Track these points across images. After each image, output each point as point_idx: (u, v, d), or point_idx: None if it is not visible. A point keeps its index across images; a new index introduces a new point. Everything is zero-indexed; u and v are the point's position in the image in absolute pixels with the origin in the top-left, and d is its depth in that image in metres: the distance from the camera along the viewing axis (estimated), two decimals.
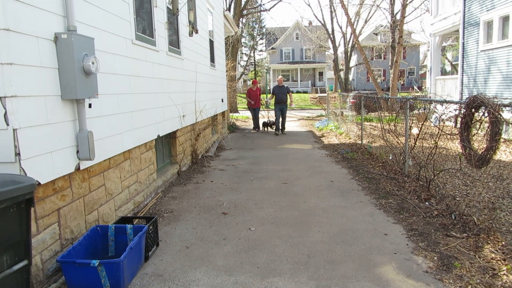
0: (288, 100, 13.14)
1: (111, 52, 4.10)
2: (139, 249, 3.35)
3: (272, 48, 49.99)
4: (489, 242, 3.69)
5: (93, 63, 3.23)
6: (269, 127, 14.00)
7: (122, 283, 2.98)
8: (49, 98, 2.98)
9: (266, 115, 15.29)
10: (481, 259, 3.40)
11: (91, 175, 3.75)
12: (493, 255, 3.44)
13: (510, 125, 3.80)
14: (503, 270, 3.15)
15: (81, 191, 3.55)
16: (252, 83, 14.81)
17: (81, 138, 3.34)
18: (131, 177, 4.76)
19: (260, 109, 14.71)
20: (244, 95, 17.27)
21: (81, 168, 3.43)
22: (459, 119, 4.59)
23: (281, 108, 12.96)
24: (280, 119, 13.09)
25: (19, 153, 2.62)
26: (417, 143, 6.02)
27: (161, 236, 4.12)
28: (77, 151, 3.35)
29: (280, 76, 13.82)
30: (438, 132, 5.27)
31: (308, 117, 21.84)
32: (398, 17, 18.82)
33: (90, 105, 3.50)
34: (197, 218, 4.73)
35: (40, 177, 2.83)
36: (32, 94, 2.78)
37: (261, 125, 14.27)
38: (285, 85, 13.31)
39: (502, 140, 3.91)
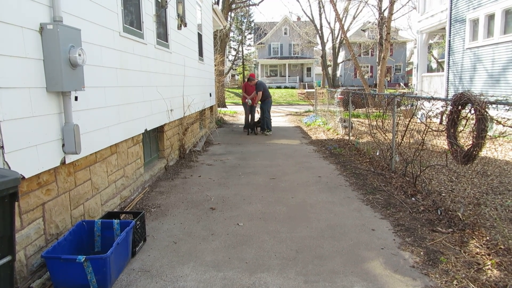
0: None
1: (98, 44, 4.03)
2: (126, 245, 3.31)
3: (261, 43, 49.86)
4: (474, 237, 3.75)
5: (79, 55, 3.16)
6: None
7: (109, 279, 2.94)
8: (34, 90, 2.90)
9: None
10: (466, 254, 3.45)
11: (77, 169, 3.68)
12: (478, 250, 3.50)
13: (495, 122, 3.85)
14: (488, 265, 3.20)
15: (66, 185, 3.49)
16: (250, 76, 12.63)
17: (66, 132, 3.28)
18: (117, 172, 4.70)
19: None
20: (232, 89, 16.38)
21: (66, 162, 3.37)
22: (446, 116, 4.64)
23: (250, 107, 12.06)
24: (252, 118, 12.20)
25: (2, 146, 2.55)
26: (404, 139, 6.08)
27: (149, 231, 4.09)
28: (63, 145, 3.28)
29: (251, 73, 12.77)
30: (425, 128, 5.32)
31: (296, 112, 21.90)
32: (385, 14, 18.92)
33: (76, 98, 3.43)
34: (184, 213, 4.70)
35: (24, 171, 2.76)
36: (16, 85, 2.70)
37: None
38: (259, 81, 11.91)
39: (487, 137, 3.96)
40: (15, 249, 2.33)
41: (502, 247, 3.46)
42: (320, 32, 38.22)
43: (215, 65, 15.12)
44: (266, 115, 11.88)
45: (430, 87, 15.64)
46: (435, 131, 5.27)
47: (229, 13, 25.97)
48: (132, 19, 5.21)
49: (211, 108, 13.26)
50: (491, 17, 11.35)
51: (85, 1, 3.77)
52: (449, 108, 4.52)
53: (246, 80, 12.72)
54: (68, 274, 2.85)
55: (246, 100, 12.02)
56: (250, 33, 52.38)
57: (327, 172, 6.76)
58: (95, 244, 3.51)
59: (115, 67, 4.50)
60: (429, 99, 5.32)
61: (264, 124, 11.94)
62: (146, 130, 5.61)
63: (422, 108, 6.10)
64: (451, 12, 13.48)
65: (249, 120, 12.34)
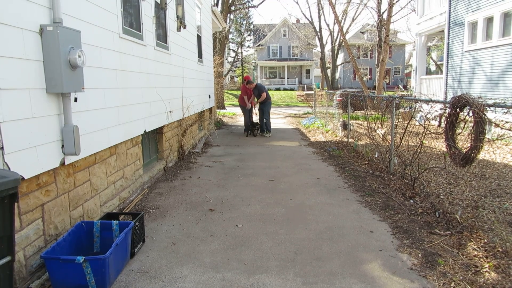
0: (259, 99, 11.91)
1: (97, 45, 4.04)
2: (125, 246, 3.32)
3: (260, 45, 49.92)
4: (471, 239, 3.76)
5: (79, 56, 3.17)
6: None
7: (108, 279, 2.94)
8: (33, 91, 2.91)
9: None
10: (464, 256, 3.46)
11: (76, 170, 3.69)
12: (475, 252, 3.51)
13: (493, 124, 3.87)
14: (485, 267, 3.22)
15: (66, 186, 3.50)
16: (244, 79, 12.33)
17: (66, 133, 3.28)
18: (117, 173, 4.71)
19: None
20: (232, 91, 16.18)
21: (66, 163, 3.37)
22: (444, 118, 4.66)
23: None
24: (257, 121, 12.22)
25: (2, 147, 2.55)
26: (402, 141, 6.09)
27: (147, 232, 4.09)
28: (62, 146, 3.29)
29: (245, 75, 12.56)
30: (424, 131, 5.34)
31: (295, 114, 21.92)
32: (384, 16, 18.98)
33: (76, 99, 3.44)
34: (183, 214, 4.70)
35: (24, 172, 2.77)
36: (16, 87, 2.71)
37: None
38: (258, 83, 12.02)
39: (486, 139, 3.97)
40: (14, 250, 2.33)
41: (499, 249, 3.48)
42: (319, 34, 38.34)
43: (214, 67, 15.11)
44: (266, 116, 11.82)
45: (429, 89, 15.67)
46: (433, 133, 5.29)
47: (228, 15, 26.00)
48: (131, 20, 5.22)
49: (210, 109, 13.27)
50: (489, 20, 11.38)
51: (85, 3, 3.79)
52: (448, 110, 4.54)
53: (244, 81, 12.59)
54: (67, 275, 2.86)
55: (247, 105, 11.85)
56: (249, 35, 52.44)
57: (325, 174, 6.77)
58: (94, 245, 3.51)
59: (115, 68, 4.51)
60: (428, 101, 5.34)
61: (263, 125, 11.92)
62: (145, 131, 5.61)
63: (420, 110, 6.12)
64: (450, 15, 13.52)
65: (249, 122, 12.23)
